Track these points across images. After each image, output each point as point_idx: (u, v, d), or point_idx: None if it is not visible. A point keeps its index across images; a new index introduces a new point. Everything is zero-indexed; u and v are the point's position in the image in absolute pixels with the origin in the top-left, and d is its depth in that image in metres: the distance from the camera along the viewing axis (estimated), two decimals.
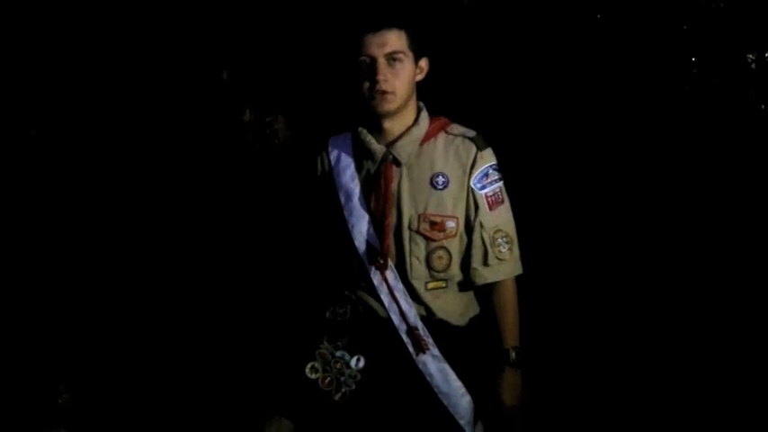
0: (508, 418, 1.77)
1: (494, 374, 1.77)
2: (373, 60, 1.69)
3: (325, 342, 1.82)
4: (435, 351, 1.77)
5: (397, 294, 1.77)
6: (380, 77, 1.68)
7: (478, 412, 1.79)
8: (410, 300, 1.78)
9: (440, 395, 1.76)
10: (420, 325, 1.77)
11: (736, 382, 2.41)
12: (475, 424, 1.78)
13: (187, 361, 2.59)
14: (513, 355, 1.77)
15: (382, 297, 1.78)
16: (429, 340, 1.77)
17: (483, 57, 3.02)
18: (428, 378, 1.76)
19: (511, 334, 1.79)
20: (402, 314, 1.77)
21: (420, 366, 1.76)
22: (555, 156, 2.96)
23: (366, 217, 1.78)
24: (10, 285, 2.83)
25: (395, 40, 1.70)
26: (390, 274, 1.77)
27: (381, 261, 1.76)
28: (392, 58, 1.69)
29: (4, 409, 2.38)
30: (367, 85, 1.70)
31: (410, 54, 1.72)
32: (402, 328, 1.77)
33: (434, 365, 1.76)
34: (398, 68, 1.70)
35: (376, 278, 1.78)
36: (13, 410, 2.38)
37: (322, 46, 2.78)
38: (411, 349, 1.77)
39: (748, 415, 2.28)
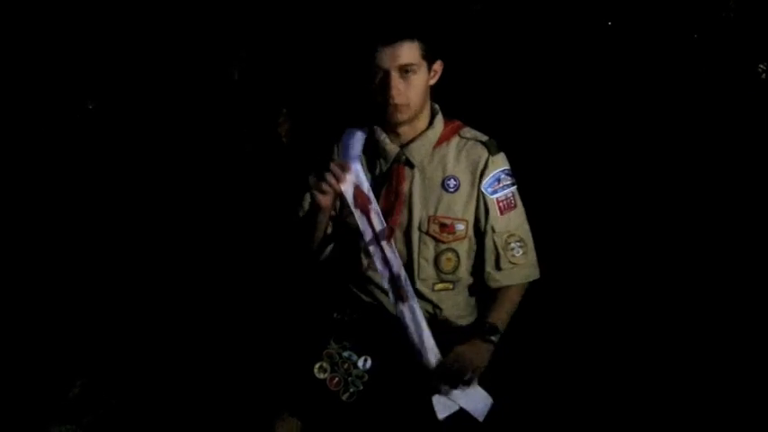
0: (465, 375, 1.72)
1: (467, 341, 1.76)
2: (386, 73, 1.67)
3: (332, 342, 1.83)
4: (414, 303, 1.76)
5: (383, 243, 1.74)
6: (394, 92, 1.67)
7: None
8: (396, 252, 1.76)
9: (413, 351, 1.75)
10: (404, 275, 1.75)
11: (736, 382, 2.40)
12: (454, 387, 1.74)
13: (196, 360, 2.59)
14: (493, 336, 1.76)
15: (366, 239, 1.75)
16: (409, 292, 1.75)
17: (496, 59, 3.02)
18: (404, 330, 1.75)
19: (500, 319, 1.79)
20: (386, 261, 1.75)
21: (398, 315, 1.76)
22: (563, 160, 2.97)
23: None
24: (19, 283, 2.85)
25: (408, 52, 1.67)
26: (376, 218, 1.75)
27: (368, 205, 1.74)
28: (405, 70, 1.67)
29: (14, 403, 2.39)
30: (380, 96, 1.70)
31: (423, 63, 1.71)
32: (385, 275, 1.76)
33: (411, 318, 1.75)
34: (412, 79, 1.69)
35: (362, 222, 1.75)
36: (23, 405, 2.38)
37: (334, 51, 2.79)
38: (391, 298, 1.76)
39: (748, 415, 2.28)
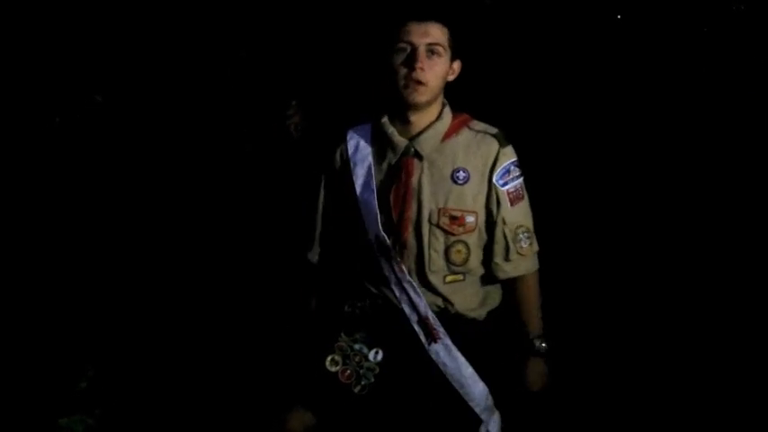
0: (535, 403, 1.80)
1: (521, 363, 1.81)
2: (414, 49, 1.71)
3: (343, 335, 1.84)
4: (447, 341, 1.78)
5: (406, 285, 1.78)
6: (418, 65, 1.70)
7: (495, 400, 1.80)
8: (419, 290, 1.79)
9: (454, 384, 1.77)
10: (431, 315, 1.78)
11: (736, 382, 2.39)
12: (492, 412, 1.80)
13: (209, 353, 2.60)
14: (537, 343, 1.81)
15: (392, 287, 1.79)
16: (440, 330, 1.78)
17: (504, 53, 3.02)
18: (441, 368, 1.77)
19: (534, 324, 1.83)
20: (412, 304, 1.78)
21: (433, 356, 1.77)
22: (561, 154, 2.96)
23: (377, 209, 1.79)
24: (29, 277, 2.86)
25: (438, 32, 1.73)
26: (400, 265, 1.78)
27: (391, 252, 1.78)
28: (432, 50, 1.72)
29: (24, 395, 2.40)
30: (403, 72, 1.72)
31: (448, 51, 1.75)
32: (413, 319, 1.79)
33: (446, 355, 1.77)
34: (436, 61, 1.73)
35: (386, 268, 1.79)
36: (32, 396, 2.40)
37: (348, 36, 2.79)
38: (423, 339, 1.78)
39: (748, 415, 2.27)
